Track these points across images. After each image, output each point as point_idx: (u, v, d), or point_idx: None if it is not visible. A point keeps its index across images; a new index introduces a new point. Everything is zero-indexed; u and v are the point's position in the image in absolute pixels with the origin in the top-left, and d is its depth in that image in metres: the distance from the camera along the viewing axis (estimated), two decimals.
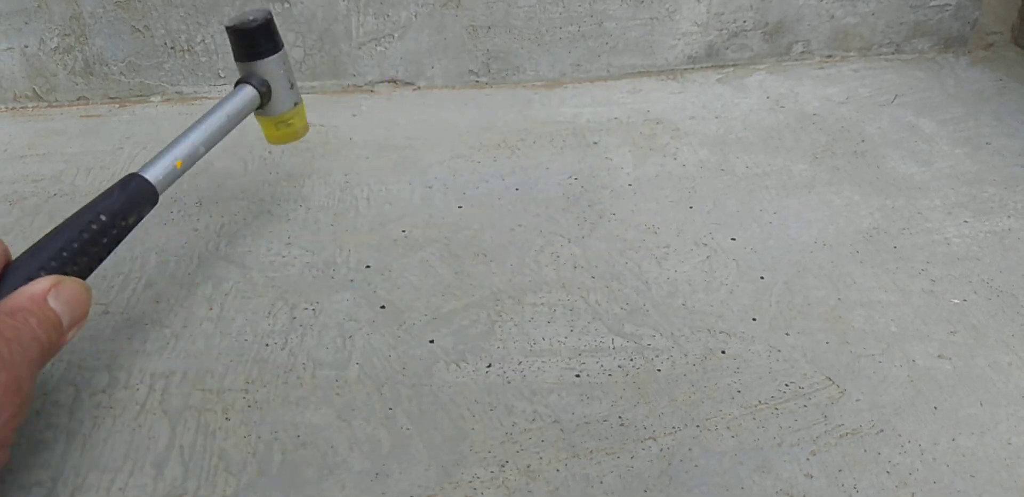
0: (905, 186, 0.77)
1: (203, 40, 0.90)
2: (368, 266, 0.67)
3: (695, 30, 0.96)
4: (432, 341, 0.59)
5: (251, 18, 0.59)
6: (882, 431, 0.51)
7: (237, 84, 0.61)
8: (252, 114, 0.62)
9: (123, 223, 0.49)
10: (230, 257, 0.68)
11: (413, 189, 0.77)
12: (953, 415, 0.53)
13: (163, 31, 0.90)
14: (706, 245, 0.69)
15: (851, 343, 0.58)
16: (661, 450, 0.50)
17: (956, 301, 0.62)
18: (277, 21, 0.60)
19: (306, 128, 0.67)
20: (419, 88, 0.96)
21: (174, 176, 0.54)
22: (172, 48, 0.91)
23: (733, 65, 1.00)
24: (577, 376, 0.56)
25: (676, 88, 0.96)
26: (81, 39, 0.89)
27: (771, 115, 0.90)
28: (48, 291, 0.41)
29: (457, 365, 0.57)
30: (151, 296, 0.64)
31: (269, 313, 0.62)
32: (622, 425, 0.52)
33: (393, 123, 0.89)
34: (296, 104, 0.64)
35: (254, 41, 0.60)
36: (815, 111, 0.91)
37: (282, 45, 0.61)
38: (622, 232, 0.71)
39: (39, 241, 0.45)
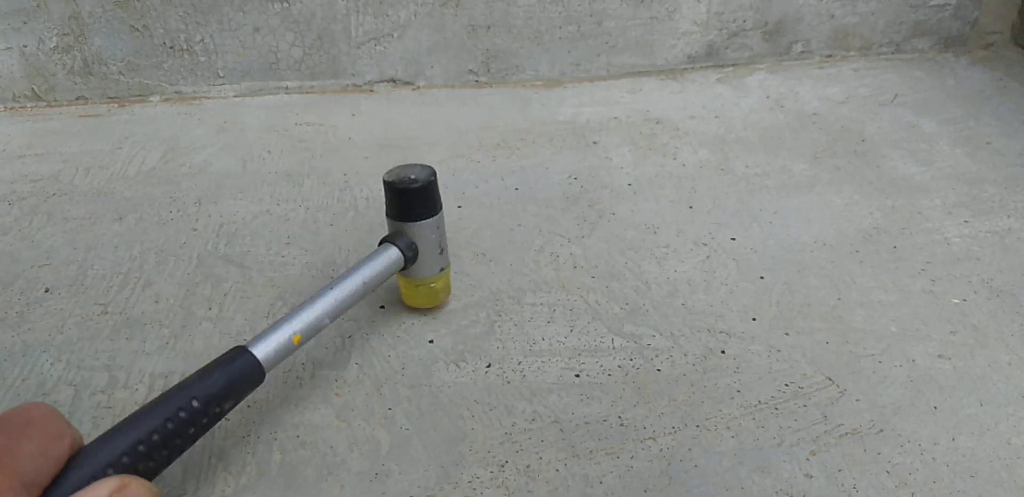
0: (905, 186, 0.77)
1: (202, 40, 0.90)
2: None
3: (695, 30, 0.96)
4: (431, 341, 0.59)
5: (412, 177, 0.53)
6: (882, 431, 0.51)
7: (381, 242, 0.55)
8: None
9: (217, 410, 0.41)
10: (229, 257, 0.68)
11: None
12: (953, 415, 0.52)
13: (162, 31, 0.89)
14: (706, 245, 0.69)
15: (851, 343, 0.58)
16: (661, 450, 0.50)
17: (956, 301, 0.62)
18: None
19: (448, 291, 0.61)
20: (418, 88, 0.96)
21: (287, 352, 0.46)
22: (171, 48, 0.91)
23: (733, 65, 1.00)
24: (577, 376, 0.56)
25: (676, 88, 0.96)
26: (80, 39, 0.89)
27: (771, 115, 0.90)
28: None
29: (456, 365, 0.57)
30: (151, 296, 0.64)
31: (268, 313, 0.62)
32: (622, 425, 0.52)
33: (392, 123, 0.89)
34: (442, 269, 0.58)
35: (412, 202, 0.54)
36: (815, 111, 0.91)
37: (440, 207, 0.55)
38: (622, 232, 0.71)
39: (118, 425, 0.38)
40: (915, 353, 0.57)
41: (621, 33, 0.95)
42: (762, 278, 0.65)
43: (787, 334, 0.59)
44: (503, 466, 0.49)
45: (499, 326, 0.60)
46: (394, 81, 0.96)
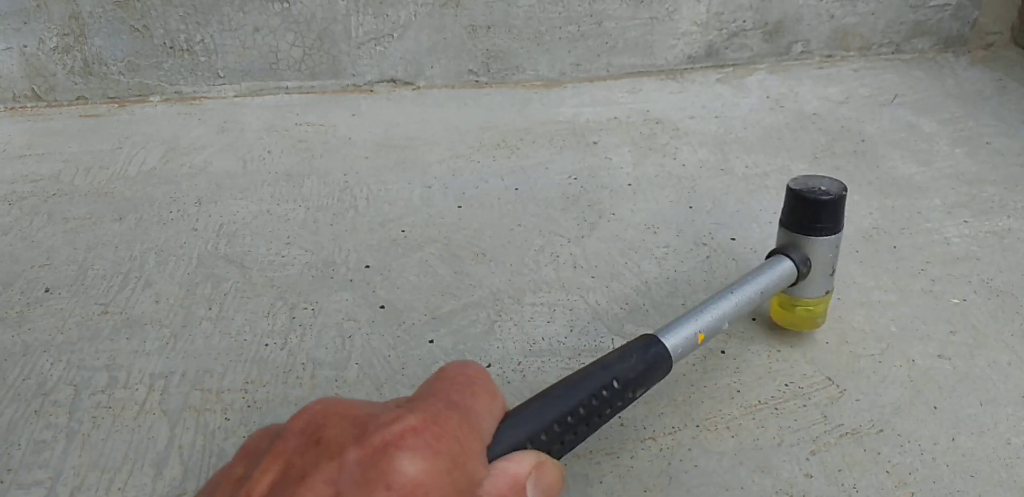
0: (905, 186, 0.77)
1: (202, 39, 0.90)
2: (367, 266, 0.67)
3: (695, 30, 0.96)
4: (432, 341, 0.59)
5: (823, 188, 0.51)
6: (882, 431, 0.51)
7: (772, 254, 0.53)
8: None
9: (631, 395, 0.40)
10: (229, 257, 0.68)
11: (412, 189, 0.77)
12: (953, 415, 0.52)
13: (162, 31, 0.89)
14: (706, 245, 0.69)
15: (851, 343, 0.58)
16: (661, 450, 0.50)
17: (956, 301, 0.62)
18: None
19: (825, 317, 0.57)
20: (418, 88, 0.96)
21: (691, 348, 0.45)
22: (171, 48, 0.91)
23: (733, 65, 1.00)
24: None
25: (676, 88, 0.96)
26: (80, 39, 0.89)
27: (771, 115, 0.90)
28: (529, 476, 0.32)
29: None
30: (151, 296, 0.64)
31: (268, 313, 0.62)
32: (622, 425, 0.52)
33: (392, 123, 0.89)
34: (827, 293, 0.55)
35: (818, 216, 0.52)
36: (815, 111, 0.91)
37: (843, 225, 0.53)
38: (622, 232, 0.71)
39: (539, 397, 0.36)
40: (915, 353, 0.57)
41: (621, 33, 0.95)
42: None
43: (787, 334, 0.59)
44: None
45: (499, 326, 0.60)
46: (394, 81, 0.96)
